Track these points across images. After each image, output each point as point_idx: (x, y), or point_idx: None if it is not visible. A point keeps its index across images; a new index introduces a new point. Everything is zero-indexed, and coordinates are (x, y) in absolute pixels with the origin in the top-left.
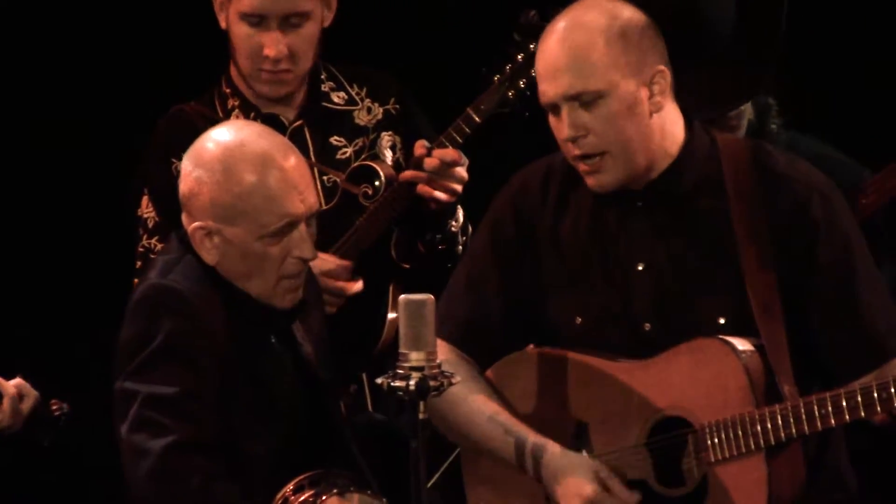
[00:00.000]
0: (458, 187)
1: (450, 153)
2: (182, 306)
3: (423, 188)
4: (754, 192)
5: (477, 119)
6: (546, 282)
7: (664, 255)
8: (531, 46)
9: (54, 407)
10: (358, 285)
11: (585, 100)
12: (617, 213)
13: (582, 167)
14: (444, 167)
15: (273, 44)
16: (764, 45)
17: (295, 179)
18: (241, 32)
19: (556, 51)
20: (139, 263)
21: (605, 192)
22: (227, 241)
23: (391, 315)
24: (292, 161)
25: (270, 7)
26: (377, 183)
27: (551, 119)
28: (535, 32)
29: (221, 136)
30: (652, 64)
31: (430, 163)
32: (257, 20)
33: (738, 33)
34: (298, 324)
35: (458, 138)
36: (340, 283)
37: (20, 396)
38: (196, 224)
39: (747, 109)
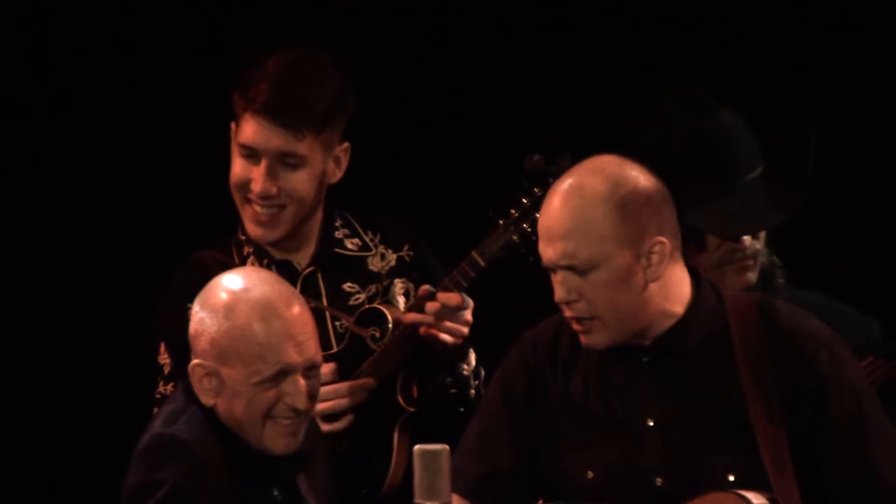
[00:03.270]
0: (464, 330)
1: (453, 297)
2: (186, 456)
3: (426, 331)
4: (761, 349)
5: (481, 263)
6: (557, 437)
7: (672, 412)
8: (536, 190)
9: None
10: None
11: (580, 268)
12: (624, 369)
13: (575, 326)
14: (448, 311)
15: (261, 180)
16: (794, 178)
17: (294, 329)
18: (235, 164)
19: (555, 215)
20: (156, 410)
21: (599, 349)
22: (223, 382)
23: (396, 459)
24: (295, 310)
25: (264, 143)
26: (385, 326)
27: (551, 275)
28: (541, 176)
29: (229, 280)
30: (651, 234)
31: (431, 306)
32: (251, 154)
33: (768, 168)
34: (303, 476)
35: (463, 282)
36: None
37: None
38: (196, 362)
39: (763, 254)
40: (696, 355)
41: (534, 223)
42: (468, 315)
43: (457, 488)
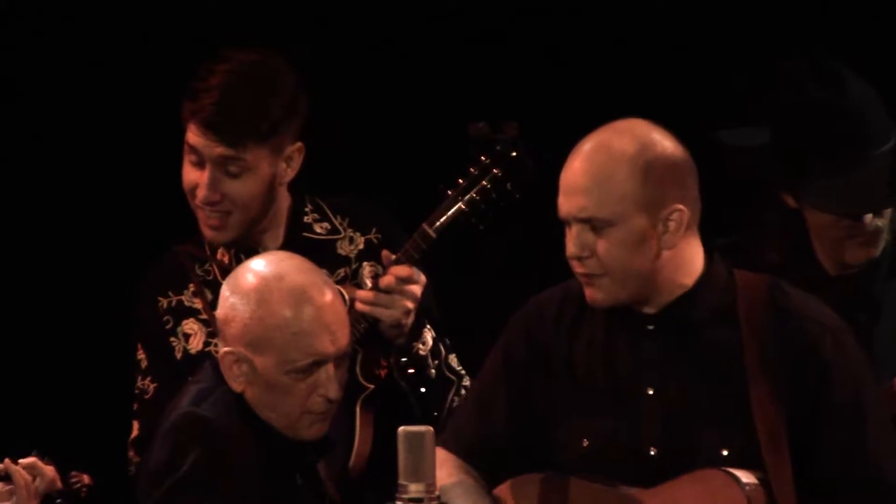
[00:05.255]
0: (408, 304)
1: (402, 269)
2: (211, 437)
3: (362, 307)
4: (767, 328)
5: (432, 235)
6: (556, 405)
7: (673, 382)
8: (483, 158)
9: (74, 480)
10: None
11: (595, 224)
12: (628, 336)
13: (582, 279)
14: (399, 284)
15: (204, 186)
16: None
17: (328, 319)
18: (185, 167)
19: (577, 169)
20: (136, 405)
21: (600, 307)
22: (255, 370)
23: (360, 436)
24: (328, 299)
25: (206, 148)
26: None
27: (566, 229)
28: (486, 144)
29: (261, 267)
30: (671, 201)
31: (385, 280)
32: (196, 156)
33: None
34: (323, 461)
35: (415, 255)
36: None
37: (33, 477)
38: (227, 349)
39: (888, 230)
40: (701, 328)
41: (482, 191)
42: (416, 289)
43: (452, 448)
